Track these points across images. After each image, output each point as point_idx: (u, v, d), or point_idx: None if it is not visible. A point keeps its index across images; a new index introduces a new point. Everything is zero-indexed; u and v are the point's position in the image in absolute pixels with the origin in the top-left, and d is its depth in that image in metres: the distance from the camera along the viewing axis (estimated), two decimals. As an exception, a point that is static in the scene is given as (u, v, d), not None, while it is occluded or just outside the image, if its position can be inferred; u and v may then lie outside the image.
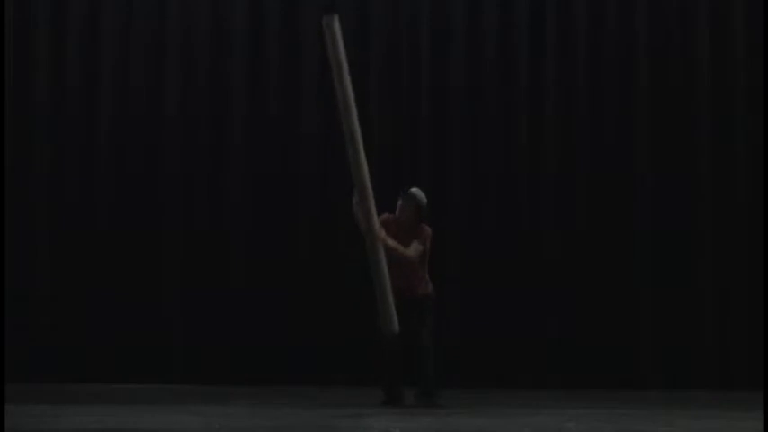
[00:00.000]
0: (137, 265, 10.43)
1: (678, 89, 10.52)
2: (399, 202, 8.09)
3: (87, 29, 10.67)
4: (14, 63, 10.56)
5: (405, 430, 6.16)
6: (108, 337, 10.29)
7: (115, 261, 10.42)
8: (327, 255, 10.35)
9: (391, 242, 7.87)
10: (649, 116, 10.48)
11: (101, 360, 10.26)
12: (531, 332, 10.25)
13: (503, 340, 10.24)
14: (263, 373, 10.19)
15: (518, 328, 10.24)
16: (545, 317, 10.28)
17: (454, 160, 10.53)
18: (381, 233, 7.76)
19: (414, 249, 7.96)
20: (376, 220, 7.70)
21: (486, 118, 10.54)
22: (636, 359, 10.28)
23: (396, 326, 7.60)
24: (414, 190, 8.14)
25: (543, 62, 10.58)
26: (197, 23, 10.72)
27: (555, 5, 10.62)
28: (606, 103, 10.52)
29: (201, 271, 10.44)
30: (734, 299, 10.33)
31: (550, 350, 10.25)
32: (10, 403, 7.14)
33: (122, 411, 7.28)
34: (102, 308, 10.33)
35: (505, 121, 10.55)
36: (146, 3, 10.71)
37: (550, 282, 10.33)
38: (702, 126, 10.49)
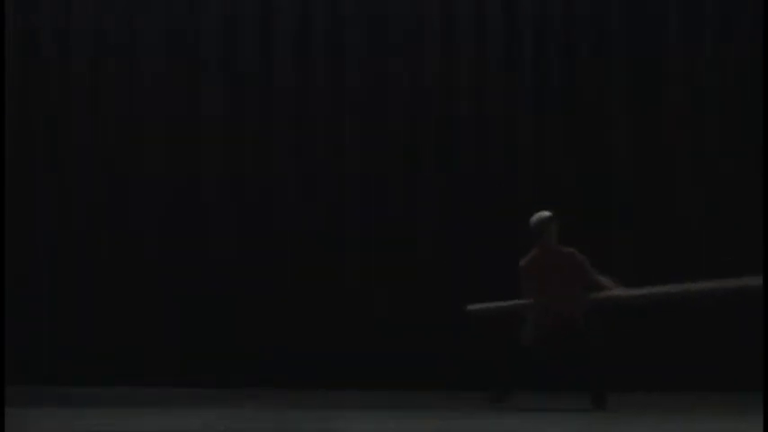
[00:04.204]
0: (136, 266, 10.42)
1: (678, 89, 10.52)
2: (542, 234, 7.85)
3: (88, 29, 10.65)
4: (14, 63, 10.55)
5: (406, 431, 6.16)
6: (108, 338, 10.29)
7: (115, 261, 10.41)
8: (329, 257, 10.34)
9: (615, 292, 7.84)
10: (649, 116, 10.48)
11: (101, 361, 10.26)
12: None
13: (502, 341, 10.23)
14: (264, 375, 10.18)
15: (517, 328, 10.24)
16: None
17: (456, 160, 10.53)
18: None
19: (606, 281, 7.85)
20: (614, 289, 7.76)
21: (486, 118, 10.53)
22: (636, 360, 10.28)
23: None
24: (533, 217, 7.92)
25: (544, 62, 10.57)
26: (202, 23, 10.69)
27: (558, 6, 10.61)
28: (606, 103, 10.52)
29: (202, 272, 10.43)
30: (734, 299, 10.33)
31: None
32: (9, 406, 7.14)
33: (123, 413, 7.29)
34: (102, 308, 10.32)
35: (506, 121, 10.54)
36: (150, 3, 10.70)
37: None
38: (703, 126, 10.49)
